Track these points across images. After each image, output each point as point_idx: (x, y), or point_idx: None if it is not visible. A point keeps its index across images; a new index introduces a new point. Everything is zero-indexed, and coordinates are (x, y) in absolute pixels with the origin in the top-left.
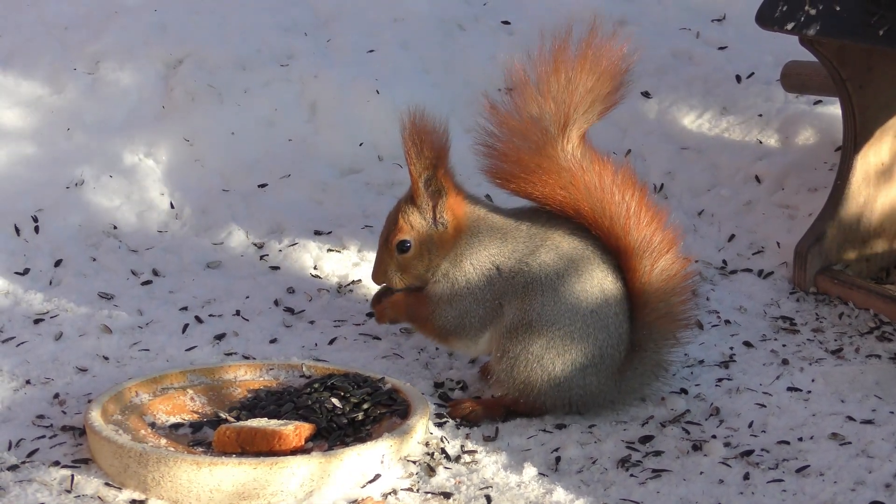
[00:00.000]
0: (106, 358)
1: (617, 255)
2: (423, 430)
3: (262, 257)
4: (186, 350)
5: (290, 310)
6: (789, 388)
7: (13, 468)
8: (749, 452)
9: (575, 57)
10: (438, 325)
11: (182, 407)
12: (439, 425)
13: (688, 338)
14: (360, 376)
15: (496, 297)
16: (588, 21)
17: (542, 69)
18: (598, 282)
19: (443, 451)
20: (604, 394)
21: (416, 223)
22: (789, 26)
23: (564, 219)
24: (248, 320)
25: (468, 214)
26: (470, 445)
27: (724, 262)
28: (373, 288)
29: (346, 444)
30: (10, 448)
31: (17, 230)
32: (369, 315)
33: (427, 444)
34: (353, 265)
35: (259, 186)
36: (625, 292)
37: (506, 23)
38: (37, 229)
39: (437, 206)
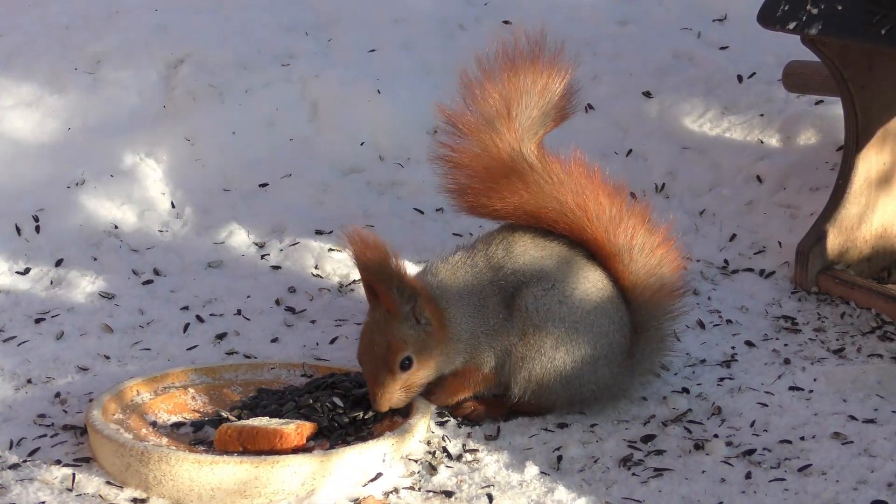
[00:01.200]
0: (107, 357)
1: (592, 246)
2: (424, 428)
3: (263, 257)
4: (188, 349)
5: (291, 309)
6: (791, 388)
7: (14, 467)
8: (751, 452)
9: (522, 64)
10: (486, 372)
11: (183, 406)
12: (441, 424)
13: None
14: (361, 375)
15: (500, 315)
16: (537, 34)
17: (486, 72)
18: (589, 274)
19: (444, 449)
20: (619, 383)
21: (407, 336)
22: (791, 26)
23: (532, 230)
24: (249, 319)
25: (433, 296)
26: (471, 444)
27: (726, 261)
28: None
29: (348, 443)
30: (11, 447)
31: (18, 230)
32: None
33: (428, 443)
34: (354, 265)
35: (260, 186)
36: (613, 278)
37: (507, 22)
38: (38, 229)
39: (415, 309)
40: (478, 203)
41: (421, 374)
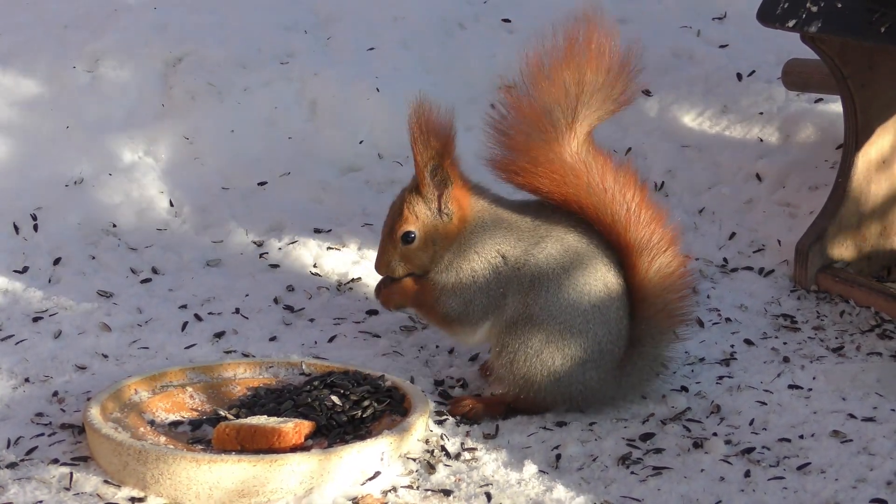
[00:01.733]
0: (105, 356)
1: (618, 252)
2: (423, 427)
3: (261, 255)
4: (186, 348)
5: (289, 308)
6: (790, 386)
7: (12, 466)
8: (750, 450)
9: (583, 52)
10: (442, 312)
11: (181, 404)
12: (439, 423)
13: (686, 334)
14: (359, 374)
15: (501, 286)
16: (589, 16)
17: (555, 62)
18: (601, 276)
19: (443, 448)
20: (604, 390)
21: (420, 213)
22: (791, 24)
23: (568, 213)
24: (247, 318)
25: (473, 205)
26: (470, 443)
27: (725, 260)
28: (372, 286)
29: (346, 442)
30: (8, 446)
31: (16, 228)
32: (369, 312)
33: (427, 442)
34: (353, 263)
35: (259, 185)
36: (626, 288)
37: (506, 21)
38: (36, 227)
39: (442, 197)
40: (519, 180)
41: (419, 254)
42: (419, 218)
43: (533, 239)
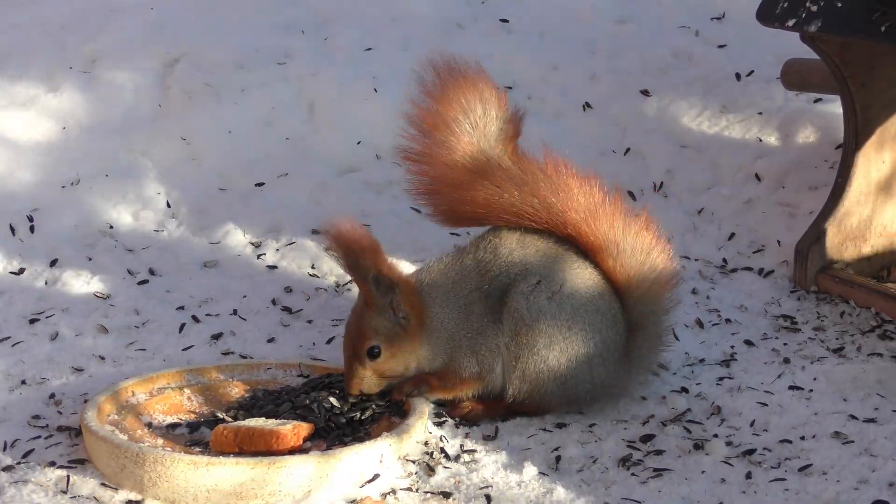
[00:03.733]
0: (102, 358)
1: (577, 242)
2: (422, 429)
3: (259, 256)
4: (183, 350)
5: (287, 309)
6: (791, 387)
7: (8, 469)
8: (751, 451)
9: (451, 84)
10: (467, 377)
11: (179, 407)
12: (438, 424)
13: (678, 299)
14: None
15: (480, 319)
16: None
17: (431, 102)
18: (580, 272)
19: (442, 450)
20: (615, 382)
21: (379, 327)
22: (790, 23)
23: (516, 229)
24: (245, 320)
25: (420, 293)
26: (469, 445)
27: (725, 260)
28: None
29: (345, 444)
30: (5, 449)
31: (13, 230)
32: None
33: (426, 444)
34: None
35: (256, 185)
36: (602, 273)
37: (504, 21)
38: (32, 229)
39: (392, 303)
40: (450, 208)
41: (391, 364)
42: (379, 332)
43: (483, 267)
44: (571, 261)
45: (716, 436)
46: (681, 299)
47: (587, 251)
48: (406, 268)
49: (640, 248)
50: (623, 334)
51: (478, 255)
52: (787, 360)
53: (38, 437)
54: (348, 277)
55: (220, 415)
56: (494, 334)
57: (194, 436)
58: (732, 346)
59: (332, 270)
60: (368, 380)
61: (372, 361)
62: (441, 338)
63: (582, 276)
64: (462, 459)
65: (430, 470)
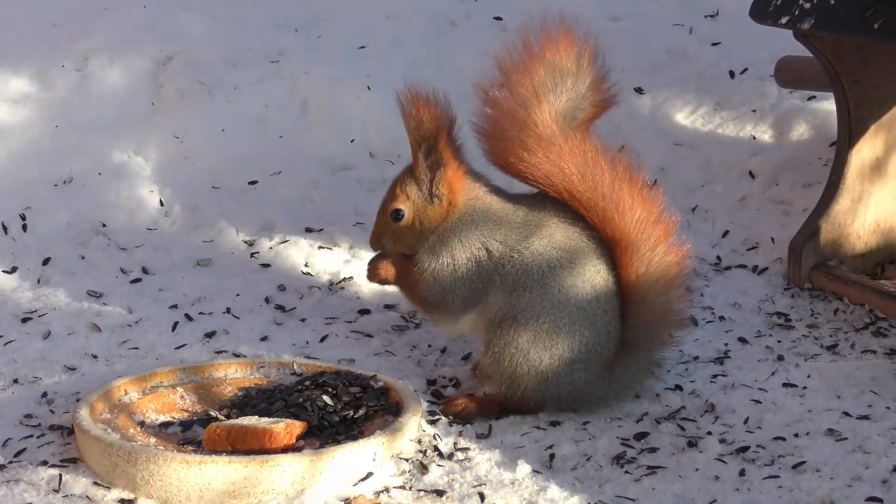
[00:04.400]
0: (95, 356)
1: (612, 246)
2: (415, 427)
3: (252, 255)
4: (176, 348)
5: (280, 307)
6: (785, 384)
7: (0, 468)
8: (745, 449)
9: (550, 45)
10: (422, 295)
11: (172, 405)
12: (432, 423)
13: (682, 336)
14: (351, 374)
15: (482, 280)
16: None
17: (526, 57)
18: (589, 277)
19: (436, 448)
20: (593, 390)
21: (412, 193)
22: (784, 20)
23: (564, 207)
24: (238, 318)
25: (466, 192)
26: (463, 443)
27: (719, 258)
28: (364, 285)
29: (338, 442)
30: None
31: (5, 228)
32: (361, 312)
33: (420, 442)
34: (345, 262)
35: (249, 184)
36: (615, 289)
37: (498, 18)
38: (25, 227)
39: (434, 179)
40: (505, 161)
41: (409, 234)
42: (410, 197)
43: (521, 235)
44: (587, 263)
45: (709, 433)
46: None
47: (617, 257)
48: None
49: (666, 281)
50: (611, 350)
51: (528, 216)
52: (780, 358)
53: (31, 436)
54: (342, 275)
55: (213, 413)
56: (478, 297)
57: (187, 434)
58: (726, 344)
59: (326, 269)
60: (386, 239)
61: (394, 223)
62: (445, 242)
63: (590, 281)
64: (456, 457)
65: (424, 468)
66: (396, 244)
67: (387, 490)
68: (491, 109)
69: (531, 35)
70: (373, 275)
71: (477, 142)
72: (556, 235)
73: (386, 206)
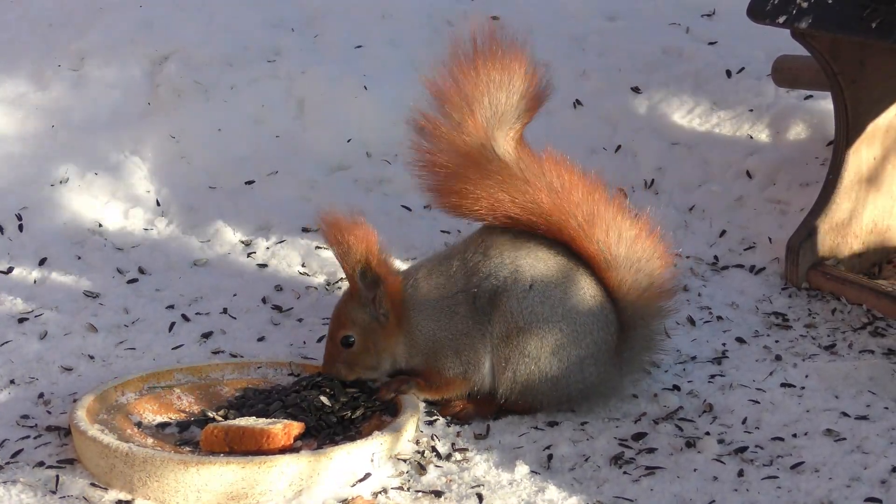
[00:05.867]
0: (91, 357)
1: (572, 244)
2: (413, 428)
3: (249, 255)
4: (173, 348)
5: (277, 307)
6: (783, 385)
7: None
8: (743, 449)
9: (483, 60)
10: (451, 377)
11: (169, 406)
12: (430, 423)
13: (676, 332)
14: None
15: (466, 322)
16: (490, 27)
17: (458, 76)
18: (574, 275)
19: (433, 449)
20: (606, 382)
21: (357, 318)
22: (781, 19)
23: (500, 231)
24: (235, 318)
25: (404, 292)
26: (461, 443)
27: (716, 257)
28: None
29: (336, 443)
30: None
31: (1, 229)
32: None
33: (417, 443)
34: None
35: (246, 184)
36: (595, 277)
37: (494, 18)
38: (21, 227)
39: (375, 298)
40: (454, 203)
41: (363, 357)
42: (356, 323)
43: (470, 268)
44: (563, 262)
45: (708, 433)
46: (677, 307)
47: (582, 258)
48: (398, 265)
49: (636, 257)
50: (614, 335)
51: (466, 255)
52: (778, 358)
53: (27, 436)
54: (339, 275)
55: (210, 414)
56: (481, 335)
57: (184, 435)
58: (724, 344)
59: (323, 269)
60: (340, 366)
61: (345, 350)
62: (419, 339)
63: (574, 278)
64: (454, 458)
65: (422, 469)
66: (354, 370)
67: (385, 491)
68: (428, 143)
69: (460, 51)
70: (386, 392)
71: (417, 180)
72: (515, 251)
73: (334, 335)
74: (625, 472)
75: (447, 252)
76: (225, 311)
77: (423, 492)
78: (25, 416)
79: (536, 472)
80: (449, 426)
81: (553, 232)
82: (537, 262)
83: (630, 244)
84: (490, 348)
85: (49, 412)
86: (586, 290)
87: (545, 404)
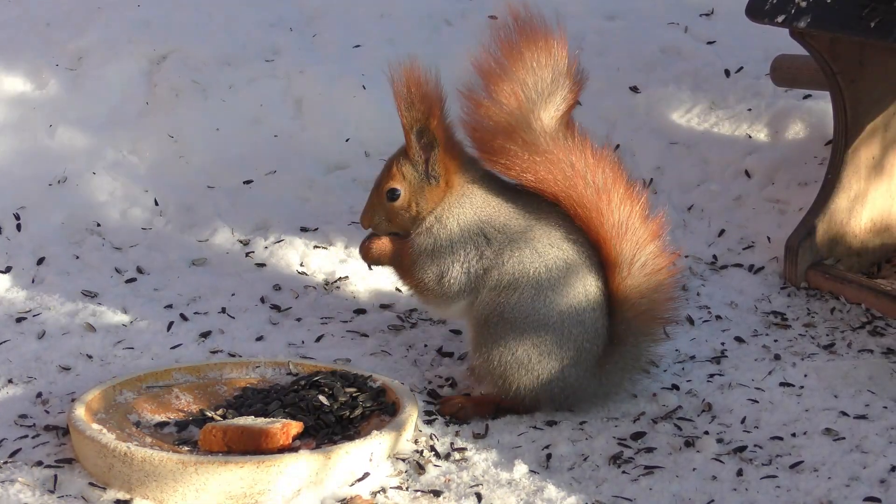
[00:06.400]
0: (89, 356)
1: (597, 248)
2: (412, 427)
3: (247, 254)
4: (171, 348)
5: (276, 307)
6: (782, 384)
7: None
8: (742, 448)
9: (526, 42)
10: (418, 277)
11: (167, 405)
12: (428, 423)
13: (674, 332)
14: (347, 374)
15: (482, 266)
16: (530, 13)
17: (502, 55)
18: (581, 277)
19: (432, 448)
20: (584, 388)
21: (408, 173)
22: (780, 19)
23: (554, 206)
24: (233, 318)
25: (462, 173)
26: (460, 443)
27: (715, 257)
28: (359, 285)
29: (335, 443)
30: None
31: None
32: (357, 312)
33: (416, 442)
34: (340, 262)
35: (244, 183)
36: (605, 288)
37: (493, 17)
38: (19, 227)
39: (429, 160)
40: (508, 168)
41: (405, 214)
42: (406, 178)
43: (520, 228)
44: (577, 271)
45: (707, 433)
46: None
47: (603, 261)
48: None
49: (651, 288)
50: (600, 347)
51: (525, 210)
52: (777, 357)
53: (26, 436)
54: (337, 275)
55: (208, 413)
56: (474, 283)
57: (183, 435)
58: (723, 343)
59: (321, 268)
60: (379, 218)
61: (388, 203)
62: (445, 226)
63: (580, 288)
64: (452, 458)
65: (421, 468)
66: (390, 224)
67: (383, 490)
68: (477, 116)
69: (504, 34)
70: (366, 254)
71: (467, 141)
72: (554, 234)
73: (381, 185)
74: (624, 472)
75: (514, 188)
76: (223, 310)
77: (422, 491)
78: (24, 416)
79: (535, 472)
80: (448, 425)
81: (587, 227)
82: (554, 267)
83: (650, 275)
84: (467, 308)
85: (47, 412)
86: (587, 302)
87: (529, 399)
